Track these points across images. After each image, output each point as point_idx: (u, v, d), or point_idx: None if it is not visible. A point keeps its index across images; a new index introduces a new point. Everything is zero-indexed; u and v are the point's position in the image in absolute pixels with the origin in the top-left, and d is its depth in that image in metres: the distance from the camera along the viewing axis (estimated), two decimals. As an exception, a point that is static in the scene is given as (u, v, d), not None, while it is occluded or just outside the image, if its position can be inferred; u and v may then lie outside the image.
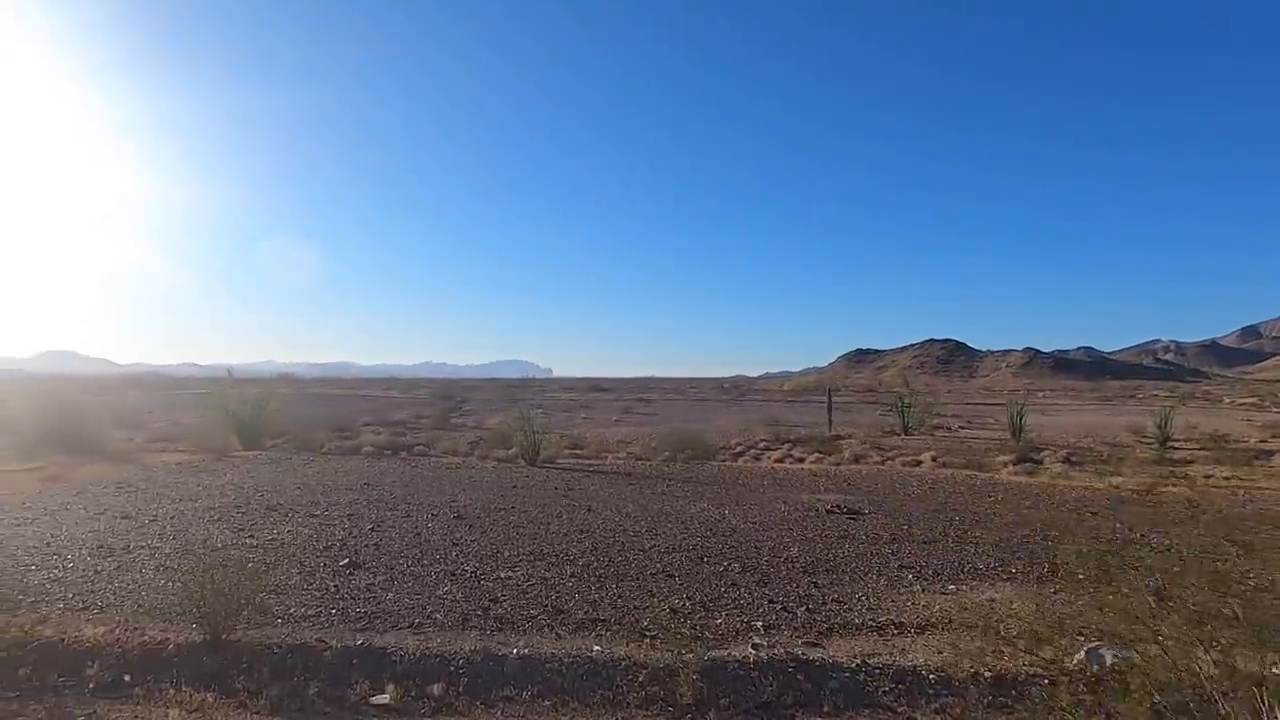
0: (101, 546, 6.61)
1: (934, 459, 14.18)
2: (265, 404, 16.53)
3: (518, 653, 4.05)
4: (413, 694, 3.81)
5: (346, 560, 6.15)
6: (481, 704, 3.74)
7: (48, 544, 6.69)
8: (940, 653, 4.14)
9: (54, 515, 8.03)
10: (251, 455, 14.05)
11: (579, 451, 15.45)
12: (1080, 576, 5.33)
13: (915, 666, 3.92)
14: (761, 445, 16.92)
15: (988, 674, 3.81)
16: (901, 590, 5.54)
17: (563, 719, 3.64)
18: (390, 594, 5.25)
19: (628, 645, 4.25)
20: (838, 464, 14.09)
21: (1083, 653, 3.76)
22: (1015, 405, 19.05)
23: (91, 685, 3.90)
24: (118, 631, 4.33)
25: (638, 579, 5.74)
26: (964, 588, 5.63)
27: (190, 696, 3.77)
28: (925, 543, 7.18)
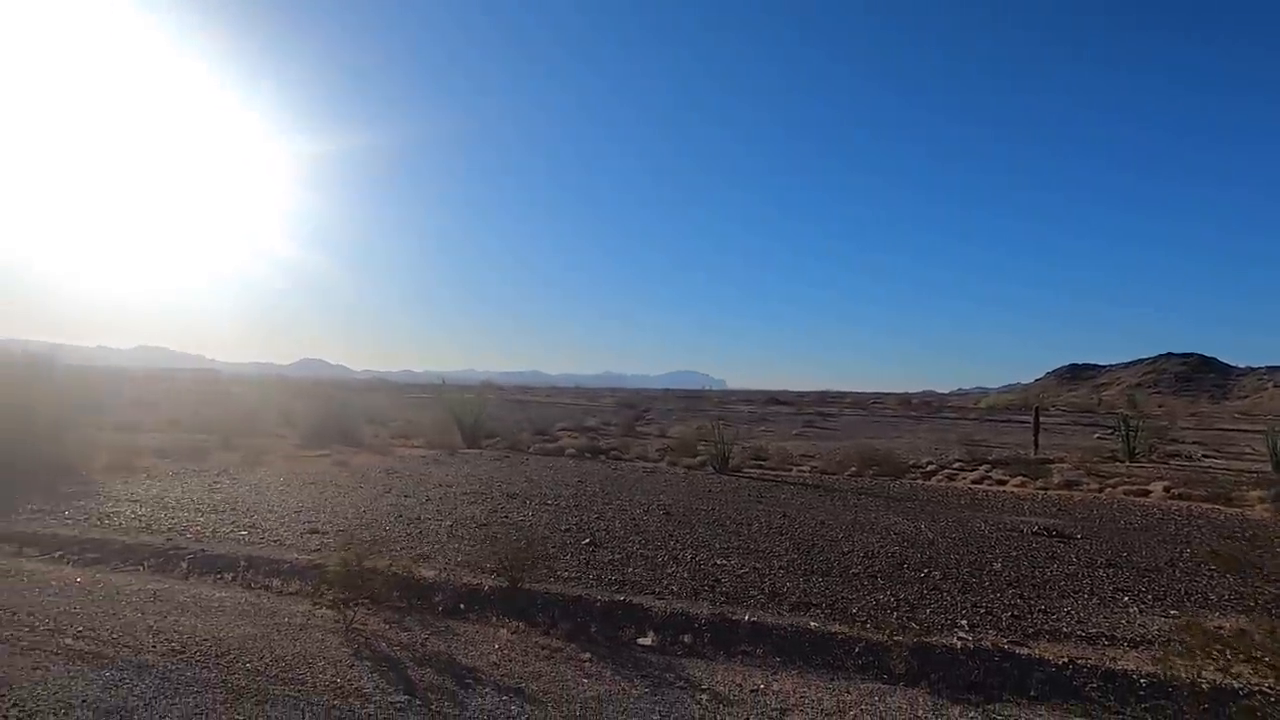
0: (401, 517, 8.52)
1: (1166, 489, 12.82)
2: (481, 408, 19.11)
3: (748, 618, 4.90)
4: (668, 640, 4.80)
5: (588, 540, 7.41)
6: (724, 653, 4.64)
7: (363, 513, 8.77)
8: (1155, 663, 4.29)
9: (354, 492, 10.33)
10: (474, 453, 16.41)
11: (763, 462, 16.04)
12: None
13: (1126, 671, 4.13)
14: (956, 465, 16.30)
15: (1205, 686, 3.92)
16: (1115, 610, 5.55)
17: (791, 672, 4.42)
18: (629, 569, 6.36)
19: (840, 625, 4.90)
20: (1045, 488, 13.27)
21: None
22: (1278, 429, 16.35)
23: (440, 609, 5.38)
24: (444, 575, 5.84)
25: (841, 577, 6.32)
26: (1189, 613, 5.50)
27: (509, 622, 5.08)
28: (1147, 570, 6.91)
